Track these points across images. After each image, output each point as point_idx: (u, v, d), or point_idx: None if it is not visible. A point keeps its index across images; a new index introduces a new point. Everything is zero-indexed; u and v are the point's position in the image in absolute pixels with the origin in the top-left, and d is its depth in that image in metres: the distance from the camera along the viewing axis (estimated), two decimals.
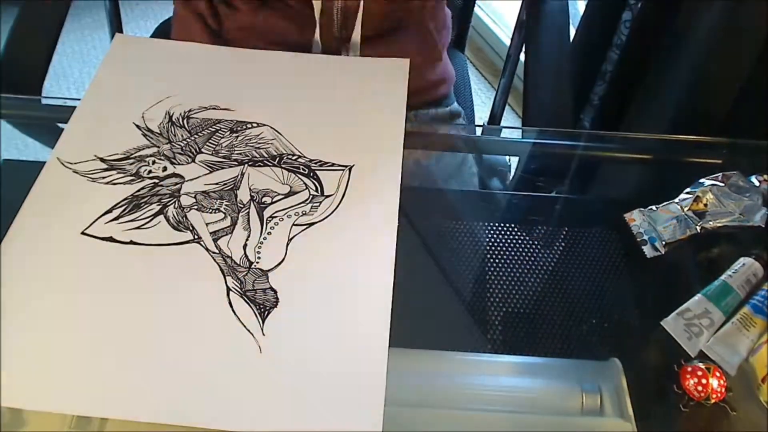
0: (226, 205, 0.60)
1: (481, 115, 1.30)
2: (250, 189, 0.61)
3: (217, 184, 0.62)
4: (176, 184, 0.62)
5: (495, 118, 1.22)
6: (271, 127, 0.66)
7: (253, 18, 0.81)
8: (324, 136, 0.66)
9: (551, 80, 0.96)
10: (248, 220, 0.59)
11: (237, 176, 0.62)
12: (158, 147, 0.64)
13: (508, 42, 1.16)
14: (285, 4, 0.79)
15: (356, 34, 0.80)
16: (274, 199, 0.61)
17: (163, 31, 1.15)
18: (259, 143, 0.65)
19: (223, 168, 0.63)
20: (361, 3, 0.77)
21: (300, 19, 0.79)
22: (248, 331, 0.52)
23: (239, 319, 0.53)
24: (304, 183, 0.62)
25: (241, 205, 0.60)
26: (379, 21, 0.80)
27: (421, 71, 0.90)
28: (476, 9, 2.11)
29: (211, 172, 0.62)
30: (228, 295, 0.55)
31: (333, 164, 0.64)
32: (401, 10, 0.80)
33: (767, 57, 0.74)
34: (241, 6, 0.80)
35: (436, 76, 0.90)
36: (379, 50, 0.82)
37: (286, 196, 0.61)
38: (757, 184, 0.66)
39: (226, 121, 0.67)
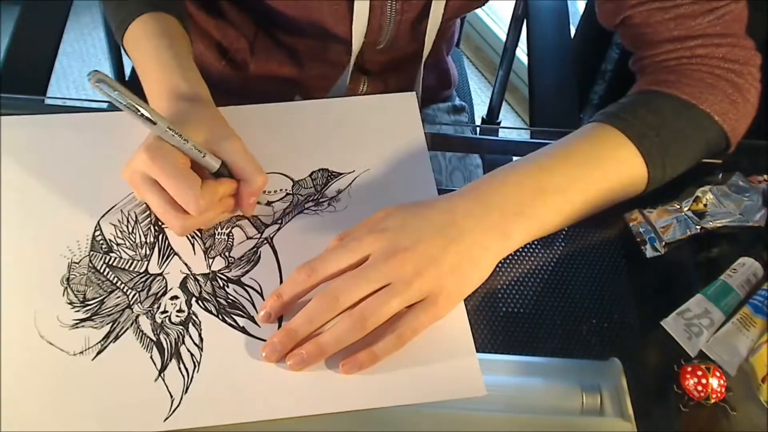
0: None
1: (481, 114, 1.30)
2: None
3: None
4: None
5: (493, 112, 1.22)
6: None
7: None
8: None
9: (555, 80, 0.96)
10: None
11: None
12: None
13: (504, 38, 1.16)
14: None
15: (426, 50, 0.77)
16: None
17: None
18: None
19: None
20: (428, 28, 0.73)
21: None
22: None
23: None
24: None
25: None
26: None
27: (435, 93, 0.91)
28: None
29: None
30: None
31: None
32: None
33: (767, 57, 0.74)
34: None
35: (443, 82, 0.92)
36: (395, 80, 0.82)
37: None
38: (757, 184, 0.66)
39: None
